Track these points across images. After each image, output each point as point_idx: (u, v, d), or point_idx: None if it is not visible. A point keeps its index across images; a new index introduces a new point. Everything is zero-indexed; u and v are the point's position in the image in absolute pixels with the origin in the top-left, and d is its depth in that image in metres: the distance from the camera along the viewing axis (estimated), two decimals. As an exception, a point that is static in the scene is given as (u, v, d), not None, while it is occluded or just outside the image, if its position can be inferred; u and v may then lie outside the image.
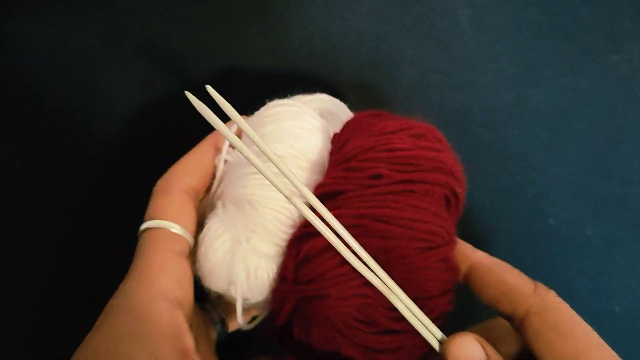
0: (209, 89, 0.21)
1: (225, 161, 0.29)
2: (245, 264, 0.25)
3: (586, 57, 0.36)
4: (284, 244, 0.26)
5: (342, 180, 0.25)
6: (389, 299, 0.24)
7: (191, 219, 0.27)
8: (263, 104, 0.30)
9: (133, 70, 0.37)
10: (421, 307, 0.24)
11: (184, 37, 0.37)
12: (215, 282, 0.26)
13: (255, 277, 0.25)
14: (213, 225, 0.27)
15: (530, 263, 0.38)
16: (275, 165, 0.23)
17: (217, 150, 0.29)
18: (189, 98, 0.21)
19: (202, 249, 0.27)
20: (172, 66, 0.37)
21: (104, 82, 0.37)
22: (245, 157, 0.22)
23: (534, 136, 0.37)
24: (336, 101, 0.31)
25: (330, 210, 0.24)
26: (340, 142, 0.27)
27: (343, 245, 0.23)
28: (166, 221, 0.26)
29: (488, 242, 0.38)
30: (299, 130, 0.27)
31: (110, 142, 0.38)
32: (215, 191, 0.29)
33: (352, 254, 0.23)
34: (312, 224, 0.23)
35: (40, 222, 0.37)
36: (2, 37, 0.36)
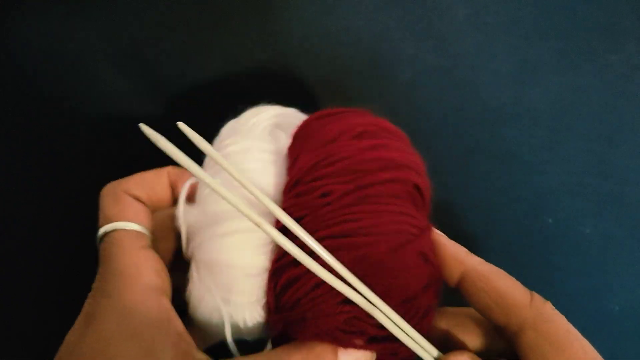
0: (181, 125, 0.21)
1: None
2: (233, 319, 0.26)
3: (584, 56, 0.37)
4: (264, 288, 0.26)
5: (295, 207, 0.24)
6: (374, 316, 0.23)
7: (147, 216, 0.28)
8: (261, 102, 0.30)
9: (133, 70, 0.37)
10: (409, 309, 0.24)
11: (184, 37, 0.37)
12: (210, 331, 0.27)
13: (245, 325, 0.26)
14: (193, 291, 0.27)
15: (528, 262, 0.38)
16: (252, 194, 0.23)
17: (169, 179, 0.29)
18: (144, 131, 0.21)
19: (190, 307, 0.27)
20: (172, 66, 0.37)
21: (104, 82, 0.37)
22: (211, 188, 0.22)
23: (532, 135, 0.37)
24: (286, 110, 0.30)
25: (292, 240, 0.23)
26: (291, 158, 0.26)
27: (318, 265, 0.23)
28: (126, 222, 0.26)
29: (486, 241, 0.38)
30: (249, 175, 0.26)
31: (110, 142, 0.38)
32: (186, 250, 0.28)
33: (329, 273, 0.23)
34: (283, 247, 0.22)
35: (40, 222, 0.37)
36: (2, 37, 0.36)
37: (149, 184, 0.29)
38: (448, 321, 0.26)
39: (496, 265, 0.25)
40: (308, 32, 0.37)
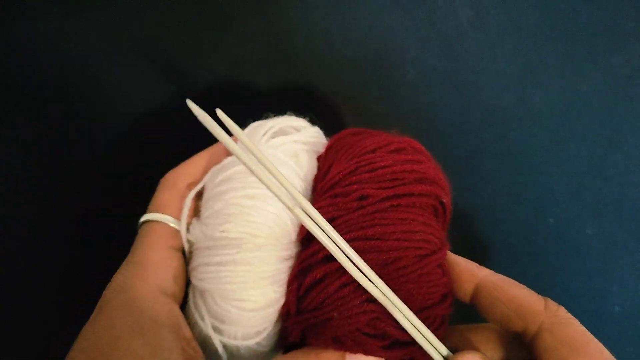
0: (219, 113, 0.21)
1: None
2: (228, 348, 0.26)
3: (586, 59, 0.36)
4: (260, 323, 0.26)
5: (330, 207, 0.25)
6: (391, 313, 0.24)
7: (191, 215, 0.28)
8: (262, 102, 0.30)
9: (133, 70, 0.37)
10: (427, 317, 0.24)
11: (184, 37, 0.37)
12: (208, 356, 0.27)
13: (240, 354, 0.26)
14: (189, 313, 0.27)
15: (530, 263, 0.38)
16: (280, 182, 0.23)
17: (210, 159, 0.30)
18: (191, 108, 0.21)
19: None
20: (172, 66, 0.37)
21: (104, 82, 0.37)
22: (248, 168, 0.22)
23: (534, 137, 0.37)
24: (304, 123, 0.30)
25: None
26: (324, 167, 0.28)
27: (346, 258, 0.23)
28: (168, 216, 0.27)
29: (488, 241, 0.38)
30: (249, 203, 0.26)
31: (110, 142, 0.38)
32: (189, 267, 0.28)
33: (356, 268, 0.23)
34: (315, 235, 0.23)
35: (40, 222, 0.37)
36: (2, 37, 0.36)
37: (205, 165, 0.29)
38: (464, 336, 0.27)
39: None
40: (309, 34, 0.37)
